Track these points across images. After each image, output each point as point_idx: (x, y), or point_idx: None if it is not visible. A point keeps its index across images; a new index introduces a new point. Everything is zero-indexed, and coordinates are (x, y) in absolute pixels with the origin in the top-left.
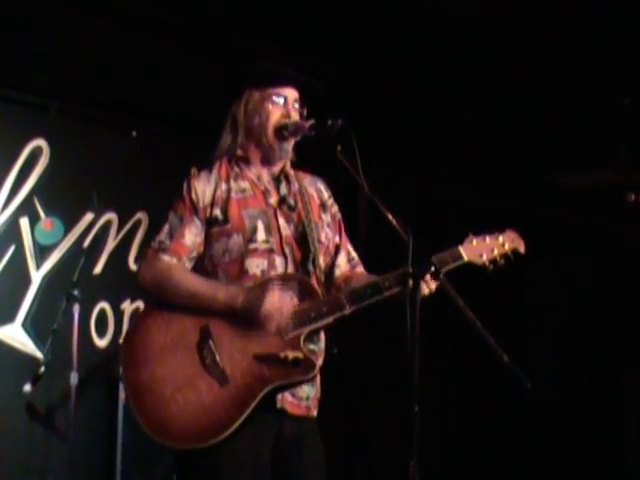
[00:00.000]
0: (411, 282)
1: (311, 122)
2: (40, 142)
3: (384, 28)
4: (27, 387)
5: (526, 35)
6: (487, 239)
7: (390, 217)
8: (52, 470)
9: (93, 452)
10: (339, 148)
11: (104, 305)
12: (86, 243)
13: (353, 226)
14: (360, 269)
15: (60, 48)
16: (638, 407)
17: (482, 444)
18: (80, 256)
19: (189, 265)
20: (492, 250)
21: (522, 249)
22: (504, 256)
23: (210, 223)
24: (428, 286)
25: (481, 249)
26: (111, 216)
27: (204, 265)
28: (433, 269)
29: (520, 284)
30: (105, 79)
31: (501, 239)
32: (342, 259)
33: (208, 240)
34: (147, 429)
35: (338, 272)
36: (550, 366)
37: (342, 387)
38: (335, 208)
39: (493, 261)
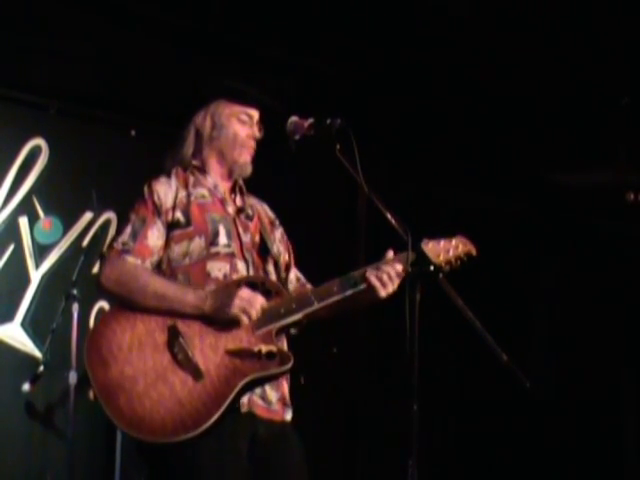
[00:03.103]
0: (416, 281)
1: (310, 121)
2: (39, 141)
3: (385, 28)
4: (26, 386)
5: (526, 35)
6: (442, 242)
7: (389, 216)
8: (51, 469)
9: (92, 451)
10: (338, 147)
11: (103, 304)
12: (85, 242)
13: (352, 226)
14: (309, 286)
15: (59, 48)
16: (637, 407)
17: (481, 443)
18: (79, 255)
19: (150, 268)
20: (448, 251)
21: (474, 252)
22: (458, 258)
23: (171, 226)
24: (392, 283)
25: (437, 251)
26: (110, 215)
27: (161, 268)
28: (432, 269)
29: (519, 284)
30: (104, 79)
31: (454, 242)
32: (292, 276)
33: (167, 243)
34: (122, 426)
35: (290, 287)
36: (550, 366)
37: (341, 386)
38: (282, 229)
39: (449, 262)
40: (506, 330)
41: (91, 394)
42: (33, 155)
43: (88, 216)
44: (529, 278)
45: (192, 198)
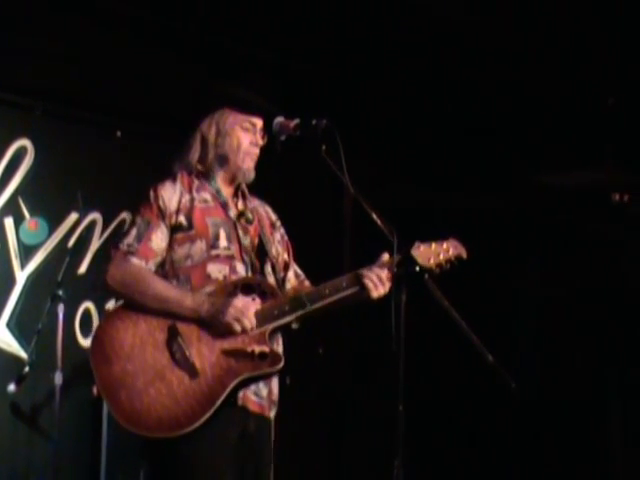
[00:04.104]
0: (402, 282)
1: (296, 121)
2: (25, 142)
3: (375, 29)
4: (11, 387)
5: (514, 36)
6: (433, 245)
7: (375, 217)
8: (36, 470)
9: (77, 452)
10: (324, 148)
11: (89, 305)
12: (70, 243)
13: (338, 227)
14: (307, 283)
15: (45, 48)
16: (622, 407)
17: (466, 444)
18: (65, 256)
19: (153, 269)
20: (438, 255)
21: (465, 255)
22: (449, 261)
23: (174, 229)
24: (383, 285)
25: (428, 254)
26: (95, 216)
27: (164, 269)
28: (417, 269)
29: (506, 284)
30: (90, 79)
31: (445, 245)
32: (291, 274)
33: (170, 245)
34: (121, 421)
35: (289, 285)
36: (535, 366)
37: (327, 387)
38: (283, 230)
39: (439, 265)
40: (492, 330)
41: (95, 390)
42: (19, 156)
43: (74, 217)
44: (515, 278)
45: (195, 202)
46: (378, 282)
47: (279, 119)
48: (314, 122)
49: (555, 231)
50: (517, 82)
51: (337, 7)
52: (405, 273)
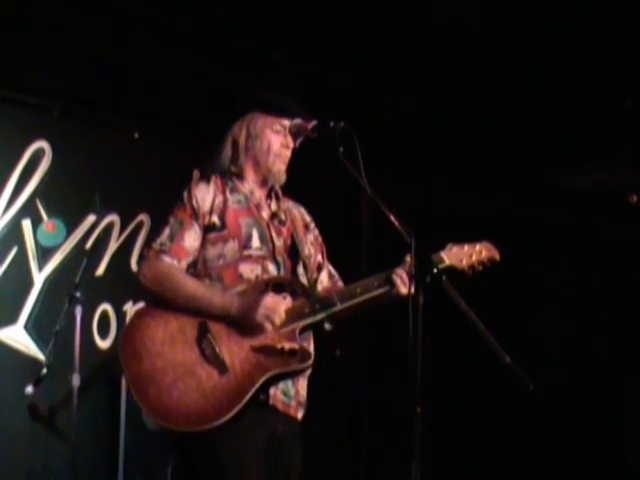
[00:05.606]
0: (419, 283)
1: (313, 123)
2: (42, 144)
3: (387, 31)
4: (29, 389)
5: (526, 36)
6: (465, 247)
7: (392, 219)
8: (54, 471)
9: (95, 453)
10: (341, 150)
11: (106, 307)
12: (88, 245)
13: (355, 228)
14: (341, 284)
15: (62, 49)
16: (639, 408)
17: (484, 445)
18: (82, 258)
19: (185, 268)
20: (471, 256)
21: (497, 257)
22: (481, 263)
23: (207, 229)
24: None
25: (460, 255)
26: (113, 218)
27: (197, 268)
28: (435, 270)
29: (522, 285)
30: (107, 81)
31: (478, 247)
32: (324, 276)
33: (203, 245)
34: (150, 415)
35: (320, 287)
36: (552, 366)
37: (345, 388)
38: (317, 231)
39: (472, 266)
40: (509, 331)
41: (125, 396)
42: (36, 157)
43: (91, 218)
44: (531, 280)
45: (229, 203)
46: (407, 280)
47: (296, 121)
48: (332, 124)
49: (572, 232)
50: (534, 83)
51: (353, 10)
52: (423, 274)
